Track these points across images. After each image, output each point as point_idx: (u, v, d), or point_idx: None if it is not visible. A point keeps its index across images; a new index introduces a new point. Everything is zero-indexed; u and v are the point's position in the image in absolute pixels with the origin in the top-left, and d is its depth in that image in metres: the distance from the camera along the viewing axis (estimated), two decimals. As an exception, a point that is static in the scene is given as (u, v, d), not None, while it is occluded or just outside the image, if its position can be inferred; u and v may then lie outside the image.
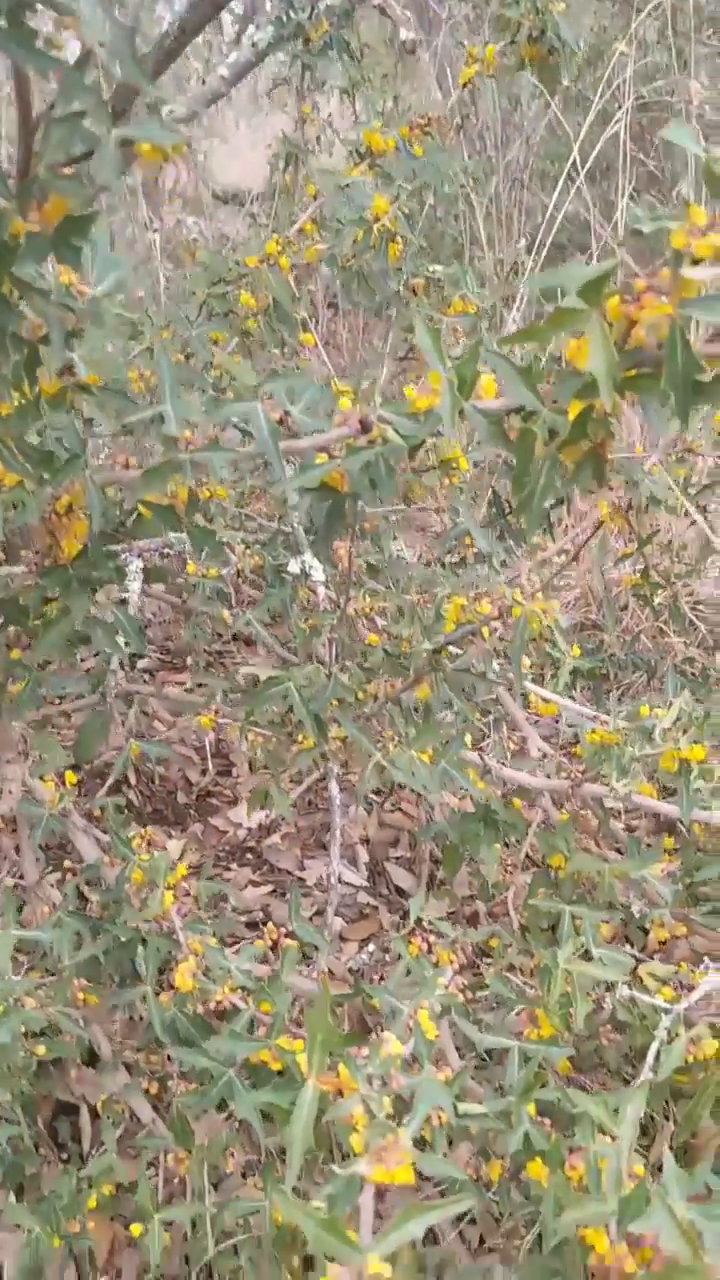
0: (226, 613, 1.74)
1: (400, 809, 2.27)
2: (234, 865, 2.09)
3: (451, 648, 1.49)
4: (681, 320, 0.79)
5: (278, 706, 1.49)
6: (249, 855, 2.13)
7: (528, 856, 2.13)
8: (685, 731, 1.35)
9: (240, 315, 1.97)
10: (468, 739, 1.67)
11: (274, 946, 1.61)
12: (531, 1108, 1.16)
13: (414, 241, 1.82)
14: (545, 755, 1.77)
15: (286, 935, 1.66)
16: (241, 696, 1.60)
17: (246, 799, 2.32)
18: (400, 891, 2.08)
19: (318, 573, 1.74)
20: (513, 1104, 1.14)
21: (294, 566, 1.74)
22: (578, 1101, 1.05)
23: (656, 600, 2.32)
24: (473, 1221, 1.47)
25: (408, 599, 1.62)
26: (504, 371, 0.91)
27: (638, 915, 1.64)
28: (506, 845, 1.88)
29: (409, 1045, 1.14)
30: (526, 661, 1.83)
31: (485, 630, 1.38)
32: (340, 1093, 0.98)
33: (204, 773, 2.33)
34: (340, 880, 2.07)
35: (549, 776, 1.67)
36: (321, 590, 1.72)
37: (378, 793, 2.34)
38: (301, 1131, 0.96)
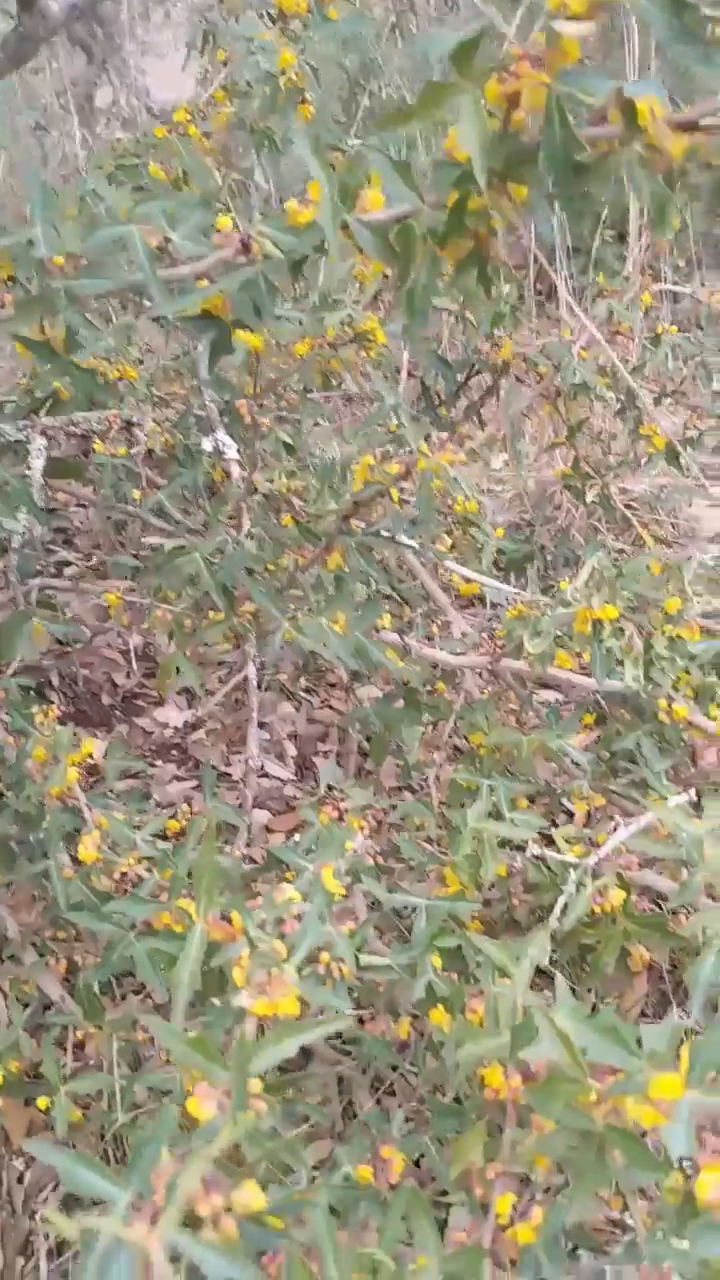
0: (137, 492, 1.68)
1: (330, 706, 2.24)
2: (159, 762, 2.05)
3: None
4: (561, 95, 0.74)
5: (184, 582, 1.44)
6: (174, 752, 2.09)
7: (455, 748, 2.12)
8: (598, 590, 1.33)
9: (152, 190, 1.89)
10: (387, 619, 1.64)
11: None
12: (437, 960, 1.14)
13: (327, 107, 1.75)
14: (466, 636, 1.75)
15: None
16: (147, 570, 1.55)
17: (174, 699, 2.29)
18: (329, 787, 2.06)
19: (231, 450, 1.69)
20: (417, 955, 1.12)
21: (207, 445, 1.69)
22: (479, 946, 1.03)
23: (589, 496, 2.29)
24: (391, 1092, 1.46)
25: (323, 459, 1.57)
26: (381, 167, 0.86)
27: (560, 792, 1.63)
28: (434, 726, 1.86)
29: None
30: (448, 541, 1.80)
31: (394, 491, 1.34)
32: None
33: (129, 675, 2.29)
34: (266, 774, 2.05)
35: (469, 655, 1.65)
36: (235, 470, 1.67)
37: (308, 690, 2.31)
38: (188, 973, 0.93)
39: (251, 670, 1.59)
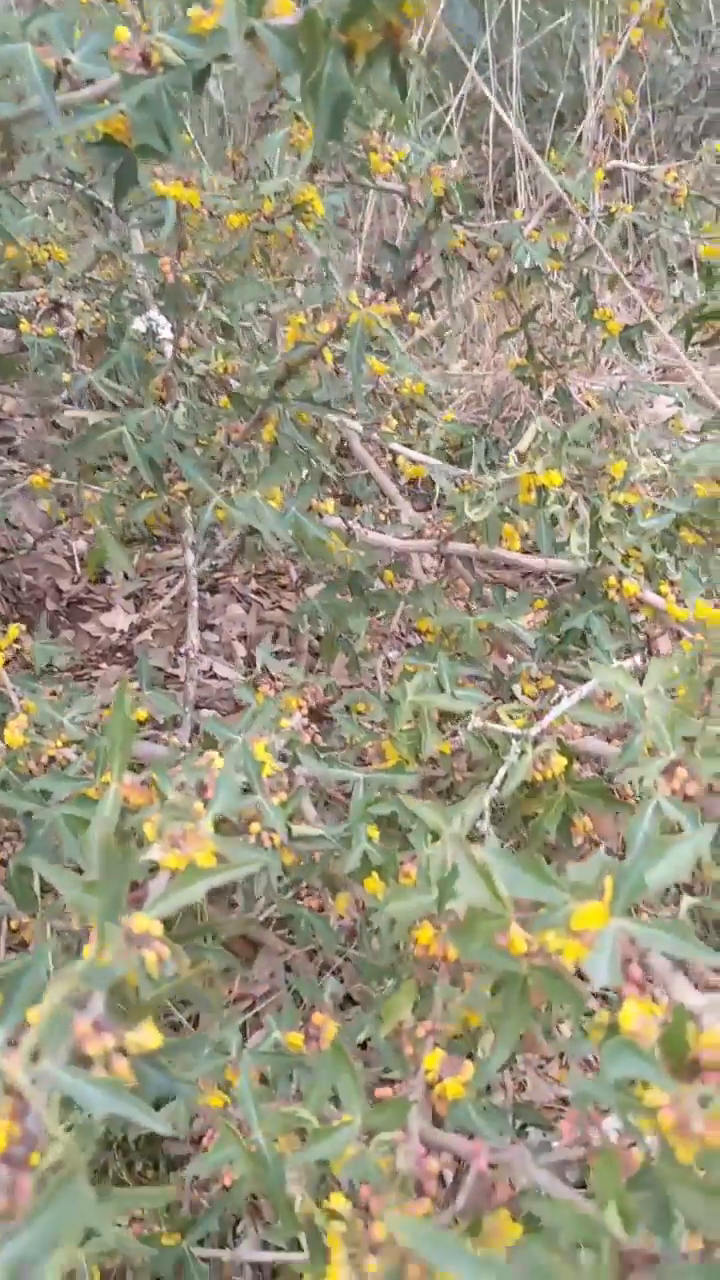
0: (67, 375, 1.61)
1: (280, 607, 2.19)
2: (104, 665, 2.00)
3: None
4: None
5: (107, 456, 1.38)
6: (120, 654, 2.04)
7: (406, 644, 2.07)
8: (541, 456, 1.27)
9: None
10: (330, 505, 1.58)
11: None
12: (373, 831, 1.10)
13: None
14: (413, 522, 1.69)
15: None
16: (72, 446, 1.48)
17: (121, 604, 2.24)
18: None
19: (165, 331, 1.61)
20: (351, 825, 1.08)
21: (139, 325, 1.61)
22: (414, 810, 0.99)
23: (546, 392, 2.22)
24: (340, 980, 1.43)
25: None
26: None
27: (509, 679, 1.59)
28: (382, 617, 1.81)
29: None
30: (393, 422, 1.73)
31: (327, 353, 1.27)
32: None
33: (75, 581, 2.22)
34: (214, 675, 2.00)
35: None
36: (169, 349, 1.60)
37: (258, 592, 2.26)
38: (100, 833, 0.89)
39: (189, 557, 1.53)
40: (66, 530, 2.29)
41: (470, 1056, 0.92)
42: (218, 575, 2.25)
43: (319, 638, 1.96)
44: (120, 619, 2.13)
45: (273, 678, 1.35)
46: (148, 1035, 0.64)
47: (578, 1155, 0.71)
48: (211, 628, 2.10)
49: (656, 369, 3.19)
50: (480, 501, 1.28)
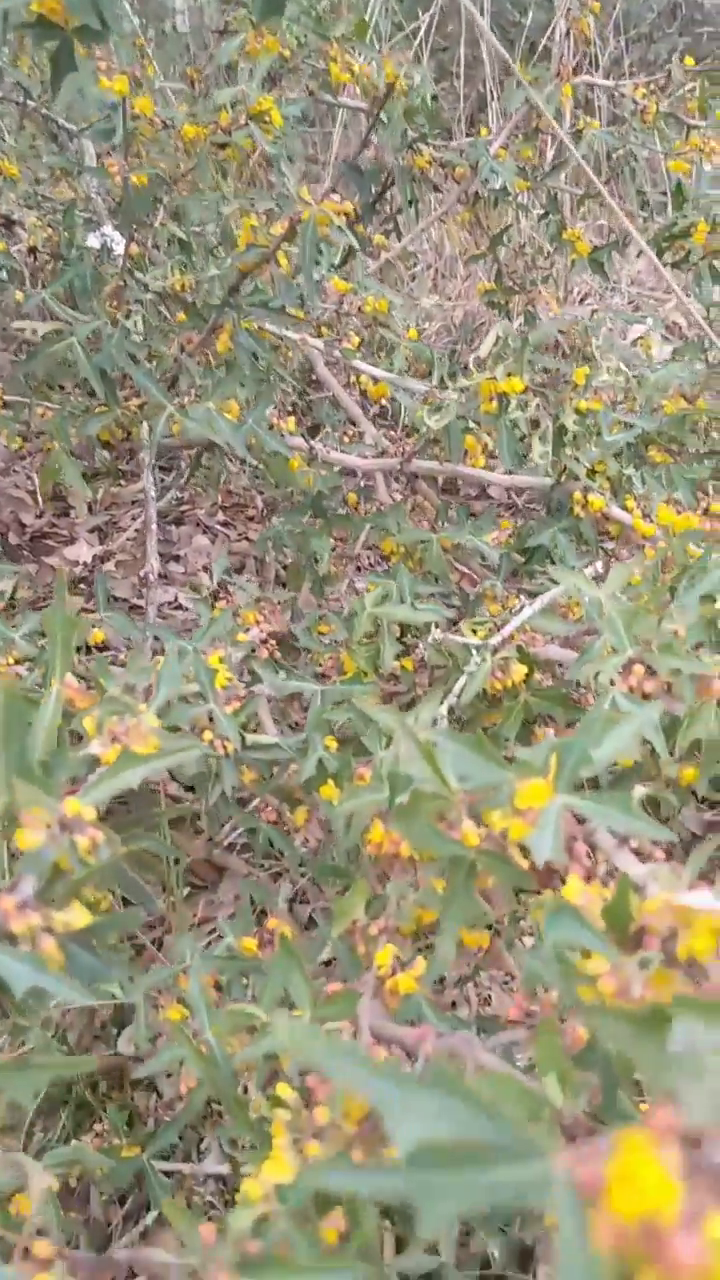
0: (19, 293, 1.56)
1: (247, 539, 2.16)
2: (68, 596, 1.97)
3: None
4: None
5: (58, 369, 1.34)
6: (83, 586, 2.01)
7: (373, 571, 2.05)
8: (502, 361, 1.24)
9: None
10: (291, 423, 1.55)
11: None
12: (331, 742, 1.09)
13: None
14: (377, 443, 1.66)
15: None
16: (23, 362, 1.44)
17: (85, 537, 2.20)
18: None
19: (119, 247, 1.57)
20: (308, 733, 1.06)
21: (93, 241, 1.56)
22: (369, 713, 0.97)
23: (517, 320, 2.19)
24: (305, 902, 1.42)
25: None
26: None
27: (473, 599, 1.57)
28: (342, 540, 1.78)
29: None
30: (355, 340, 1.70)
31: (282, 257, 1.23)
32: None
33: (39, 515, 2.19)
34: (180, 606, 1.97)
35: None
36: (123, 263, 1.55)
37: (224, 524, 2.22)
38: (43, 734, 0.86)
39: (148, 477, 1.49)
40: (29, 465, 2.25)
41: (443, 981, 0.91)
42: (183, 508, 2.22)
43: (285, 567, 1.94)
44: (84, 551, 2.09)
45: (229, 593, 1.32)
46: (76, 915, 0.63)
47: (525, 1037, 0.70)
48: (177, 559, 2.07)
49: (629, 303, 3.15)
50: (440, 409, 1.25)
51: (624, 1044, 0.46)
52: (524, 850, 0.66)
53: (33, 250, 1.58)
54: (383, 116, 1.87)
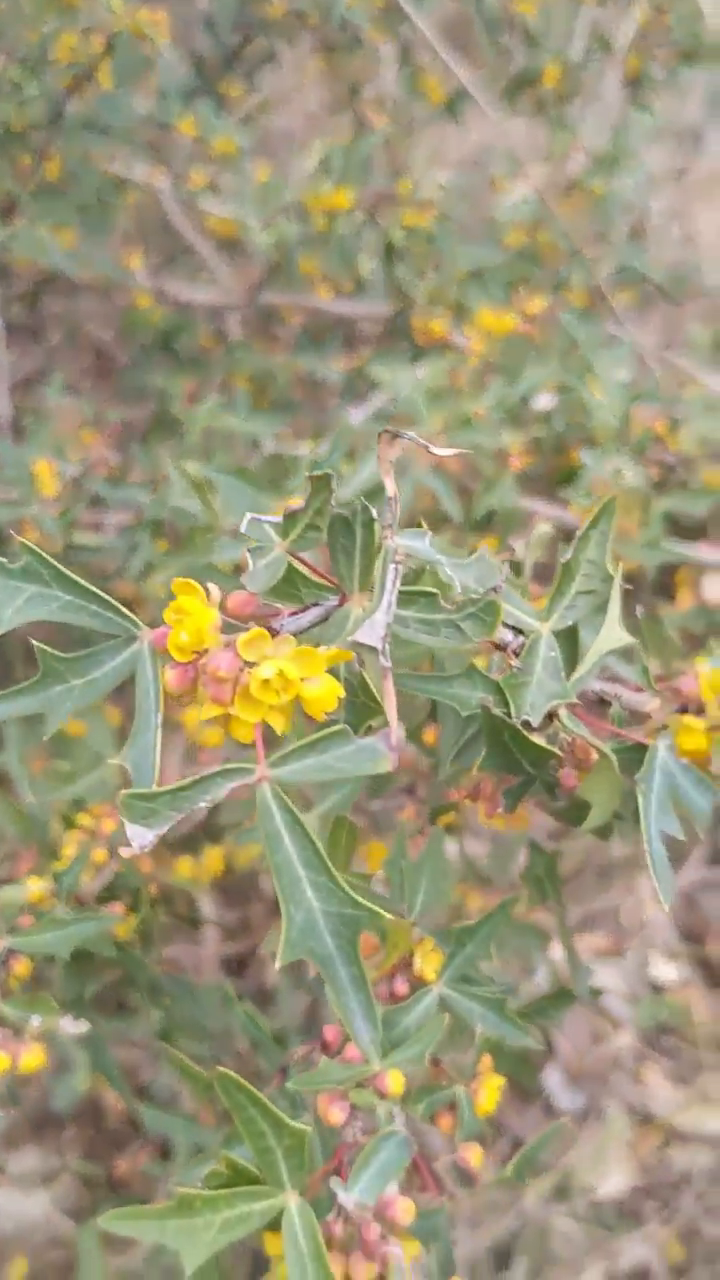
0: None
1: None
2: None
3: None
4: None
5: None
6: None
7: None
8: (329, 174, 1.25)
9: None
10: (138, 261, 1.54)
11: None
12: (163, 545, 1.12)
13: None
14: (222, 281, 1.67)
15: None
16: None
17: None
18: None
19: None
20: (139, 533, 1.09)
21: None
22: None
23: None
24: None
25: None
26: None
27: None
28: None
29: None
30: (200, 179, 1.68)
31: (103, 76, 1.22)
32: None
33: None
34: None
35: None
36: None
37: (94, 387, 2.21)
38: None
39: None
40: None
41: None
42: (52, 370, 2.20)
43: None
44: None
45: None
46: None
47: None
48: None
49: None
50: (269, 226, 1.26)
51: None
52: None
53: None
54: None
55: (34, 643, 0.36)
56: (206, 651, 0.31)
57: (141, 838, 0.31)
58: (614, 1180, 1.71)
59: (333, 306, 1.47)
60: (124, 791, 0.32)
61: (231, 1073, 0.41)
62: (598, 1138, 1.75)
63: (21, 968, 0.68)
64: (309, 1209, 0.41)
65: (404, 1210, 0.43)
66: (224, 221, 1.61)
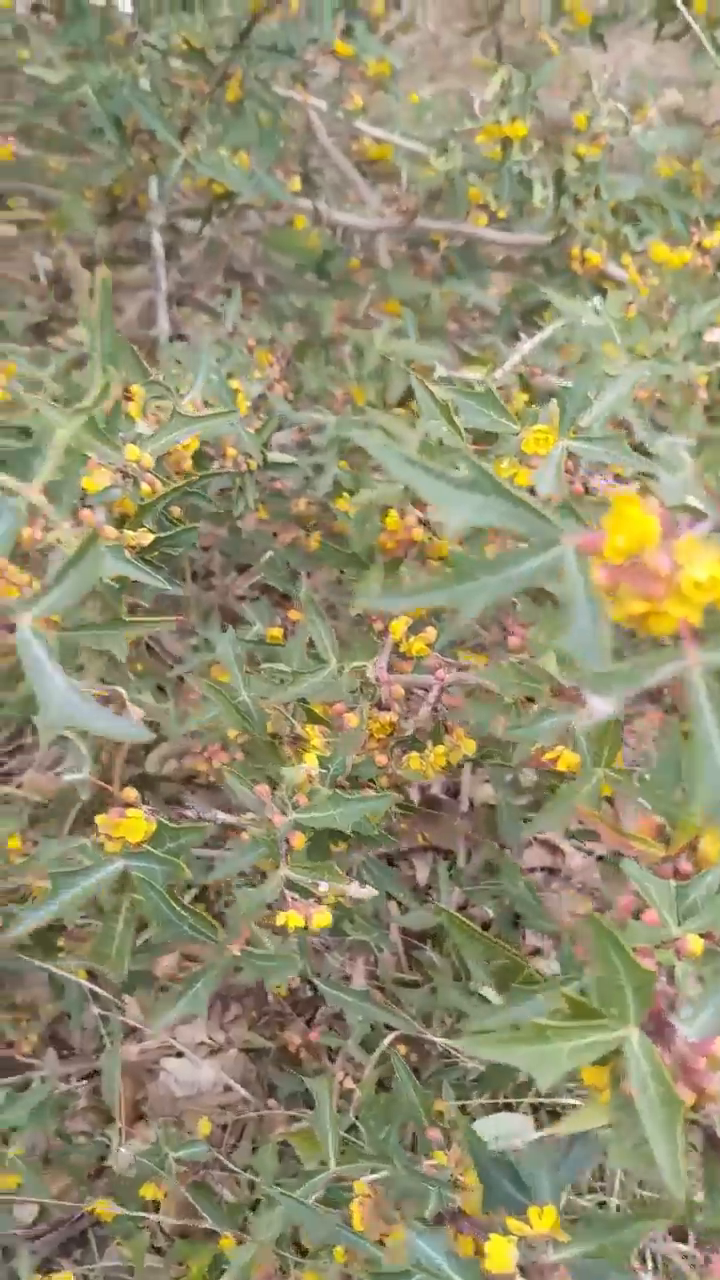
0: (24, 51, 1.56)
1: (247, 317, 2.19)
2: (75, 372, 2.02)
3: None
4: None
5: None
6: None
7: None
8: (506, 105, 1.28)
9: None
10: (297, 183, 1.57)
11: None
12: (343, 464, 1.17)
13: None
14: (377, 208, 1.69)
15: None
16: (30, 109, 1.46)
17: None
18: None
19: (127, 4, 1.56)
20: (323, 455, 1.15)
21: (96, -5, 1.56)
22: (381, 423, 1.05)
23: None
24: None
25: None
26: None
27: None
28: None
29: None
30: (358, 100, 1.71)
31: (290, -3, 1.25)
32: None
33: (41, 298, 2.21)
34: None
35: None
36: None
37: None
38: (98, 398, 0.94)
39: (156, 238, 1.53)
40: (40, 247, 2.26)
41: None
42: (185, 292, 2.24)
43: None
44: (86, 334, 2.13)
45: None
46: (144, 535, 0.72)
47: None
48: (183, 338, 2.12)
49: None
50: (445, 153, 1.29)
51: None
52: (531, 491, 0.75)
53: (36, 8, 1.57)
54: None
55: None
56: (640, 553, 0.37)
57: (602, 709, 0.37)
58: None
59: (489, 235, 1.49)
60: (590, 668, 0.37)
61: (599, 915, 0.47)
62: None
63: (298, 842, 0.76)
64: (649, 1040, 0.48)
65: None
66: (378, 146, 1.63)
